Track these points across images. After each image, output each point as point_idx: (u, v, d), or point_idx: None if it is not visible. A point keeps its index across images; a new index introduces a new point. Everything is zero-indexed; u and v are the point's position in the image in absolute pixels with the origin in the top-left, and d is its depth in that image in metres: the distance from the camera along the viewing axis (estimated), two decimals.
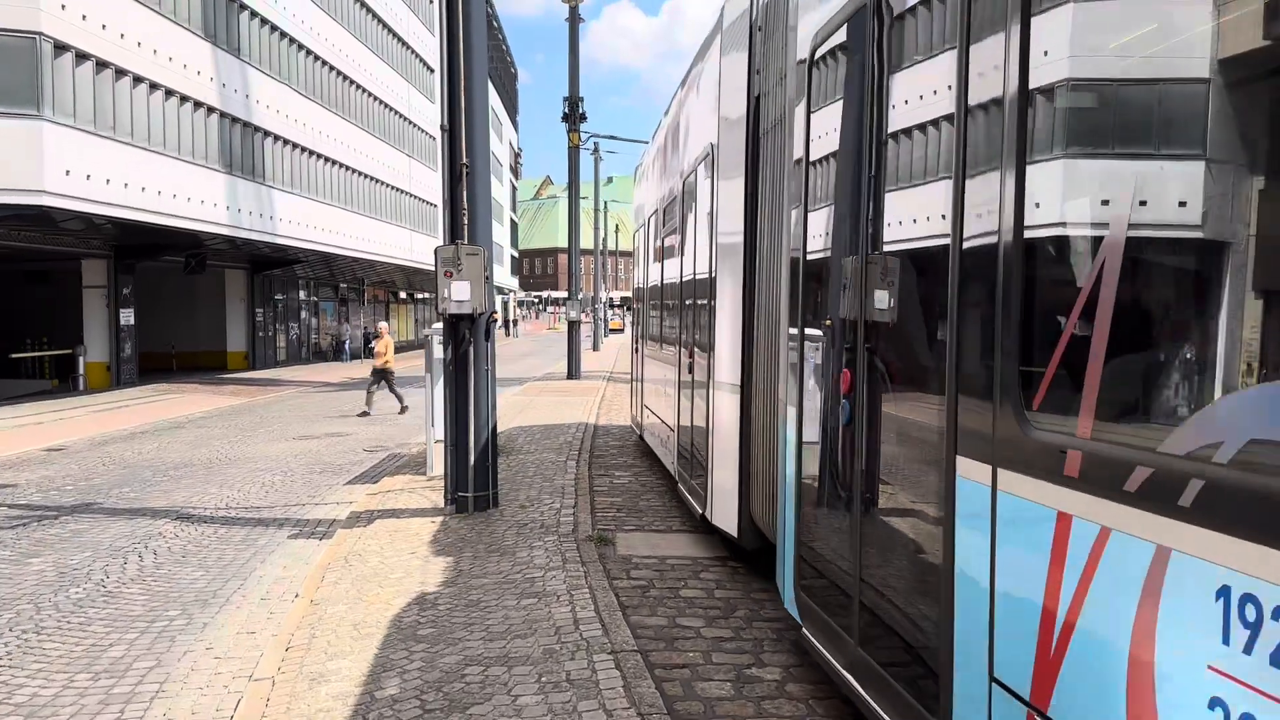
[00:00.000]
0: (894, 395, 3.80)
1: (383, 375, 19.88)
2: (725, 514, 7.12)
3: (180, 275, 31.78)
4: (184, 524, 9.74)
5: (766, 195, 6.23)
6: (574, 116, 27.60)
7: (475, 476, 9.00)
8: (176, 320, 35.93)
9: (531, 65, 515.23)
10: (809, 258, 4.71)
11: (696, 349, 8.10)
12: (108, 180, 22.26)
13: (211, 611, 6.87)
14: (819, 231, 4.55)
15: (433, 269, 9.06)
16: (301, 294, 41.96)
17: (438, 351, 9.56)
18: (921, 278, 3.58)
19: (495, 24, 74.63)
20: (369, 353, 42.94)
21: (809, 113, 4.69)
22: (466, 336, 8.88)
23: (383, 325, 21.41)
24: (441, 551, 7.74)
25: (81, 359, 27.10)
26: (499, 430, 14.97)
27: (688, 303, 8.57)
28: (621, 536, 8.30)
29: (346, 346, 41.60)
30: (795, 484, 4.86)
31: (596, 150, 52.12)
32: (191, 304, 36.37)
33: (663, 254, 10.56)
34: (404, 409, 19.76)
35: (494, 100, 73.13)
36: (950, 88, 3.18)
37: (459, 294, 8.58)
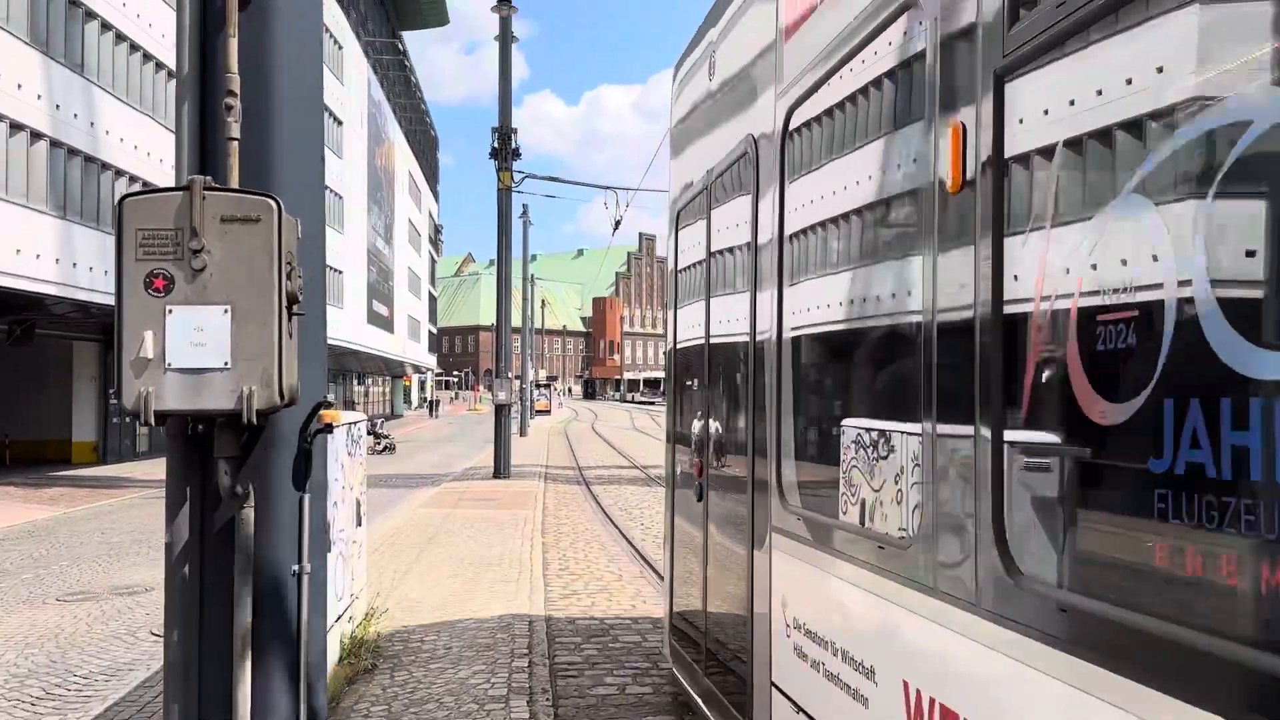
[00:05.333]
0: None
1: None
2: None
3: (23, 350, 25.21)
4: None
5: None
6: (505, 151, 22.05)
7: None
8: (14, 403, 29.15)
9: (454, 149, 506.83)
10: None
11: None
12: None
13: None
14: None
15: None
16: None
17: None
18: None
19: (413, 79, 69.60)
20: None
21: None
22: (231, 485, 3.08)
23: None
24: None
25: None
26: (370, 613, 7.53)
27: None
28: None
29: None
30: None
31: (525, 214, 47.84)
32: (36, 383, 29.56)
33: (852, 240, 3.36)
34: None
35: (414, 167, 67.67)
36: None
37: (195, 353, 2.79)
